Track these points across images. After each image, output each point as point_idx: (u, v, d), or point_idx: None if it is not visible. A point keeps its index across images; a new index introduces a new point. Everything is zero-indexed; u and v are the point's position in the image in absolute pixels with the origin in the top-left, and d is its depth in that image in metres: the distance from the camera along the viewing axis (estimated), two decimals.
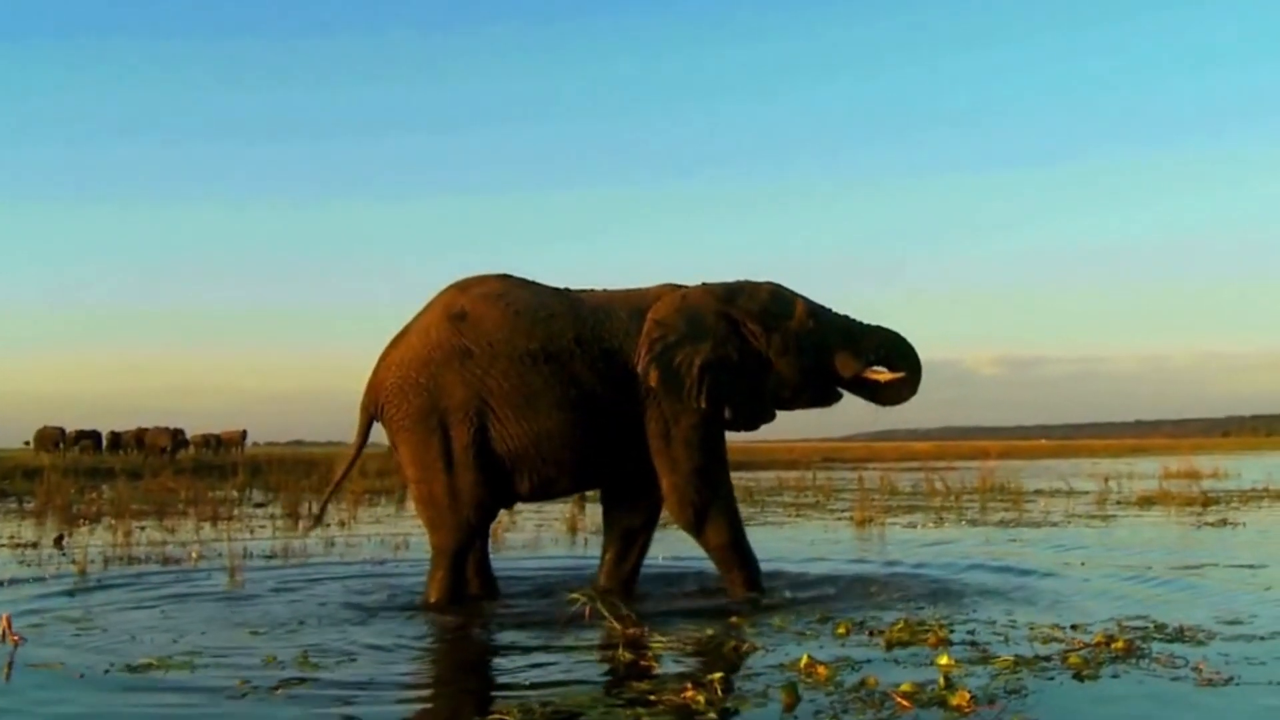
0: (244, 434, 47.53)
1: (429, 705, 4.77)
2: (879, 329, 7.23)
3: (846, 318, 7.20)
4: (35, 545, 10.86)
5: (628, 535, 7.30)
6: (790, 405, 7.21)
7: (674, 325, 6.80)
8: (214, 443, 46.29)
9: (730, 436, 7.14)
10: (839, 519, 13.80)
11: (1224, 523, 12.65)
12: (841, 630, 5.82)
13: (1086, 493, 18.42)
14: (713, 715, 4.22)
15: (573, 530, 12.06)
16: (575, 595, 6.09)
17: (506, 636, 6.00)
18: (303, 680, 4.84)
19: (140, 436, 43.03)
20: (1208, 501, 15.65)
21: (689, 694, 4.42)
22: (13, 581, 8.08)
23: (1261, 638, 5.61)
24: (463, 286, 6.97)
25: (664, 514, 7.28)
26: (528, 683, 4.83)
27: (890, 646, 5.41)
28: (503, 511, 7.63)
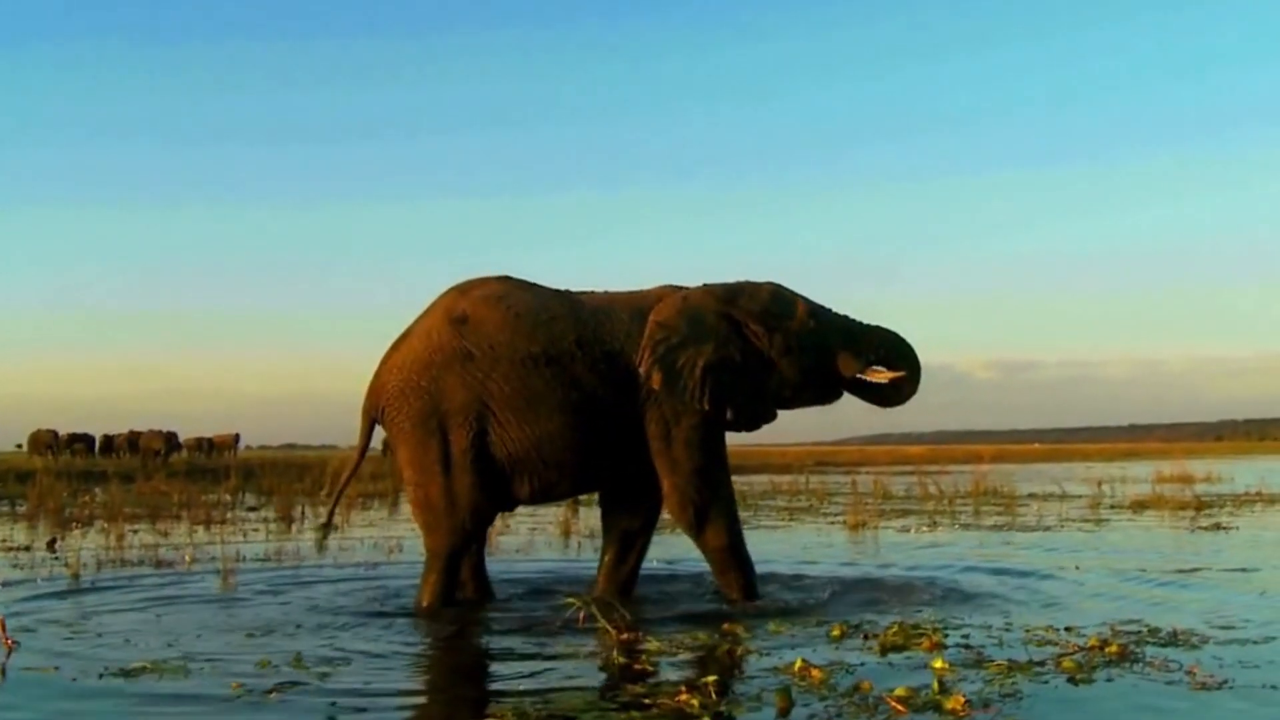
0: (237, 437, 47.54)
1: (423, 709, 4.76)
2: (878, 329, 7.25)
3: (846, 318, 7.21)
4: (28, 548, 10.83)
5: (626, 538, 7.30)
6: (791, 405, 7.22)
7: (676, 327, 6.80)
8: (207, 446, 46.27)
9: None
10: (832, 523, 13.82)
11: (1217, 527, 12.67)
12: (836, 634, 5.82)
13: (1080, 496, 18.43)
14: (707, 719, 4.22)
15: (566, 534, 12.05)
16: (570, 599, 6.08)
17: (501, 640, 5.99)
18: (297, 684, 4.82)
19: (133, 440, 42.99)
20: (1201, 505, 15.67)
21: (684, 697, 4.42)
22: (5, 585, 8.06)
23: (1255, 641, 5.62)
24: (464, 289, 6.96)
25: (661, 517, 7.29)
26: (522, 686, 4.83)
27: (885, 650, 5.41)
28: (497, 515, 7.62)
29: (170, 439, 42.89)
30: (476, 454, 6.62)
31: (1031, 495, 19.28)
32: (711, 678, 4.58)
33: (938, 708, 4.25)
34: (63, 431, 42.88)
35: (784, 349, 6.97)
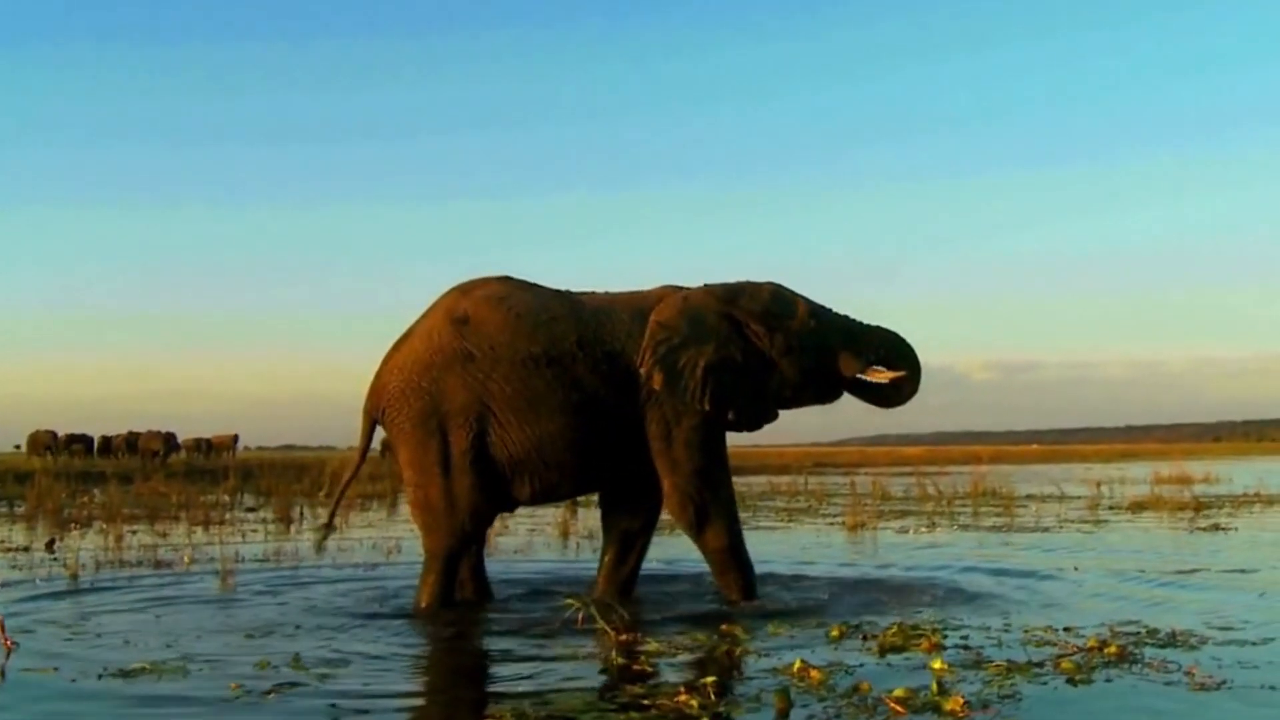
0: (235, 438, 47.52)
1: (422, 710, 4.76)
2: (879, 329, 7.26)
3: (847, 318, 7.22)
4: (27, 549, 10.83)
5: (626, 538, 7.30)
6: (792, 404, 7.23)
7: (677, 327, 6.81)
8: (205, 447, 46.26)
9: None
10: (831, 524, 13.81)
11: (1216, 528, 12.68)
12: (835, 635, 5.82)
13: (1078, 497, 18.45)
14: (706, 719, 4.22)
15: (565, 534, 12.05)
16: (569, 600, 6.08)
17: (500, 641, 5.99)
18: (296, 685, 4.82)
19: (132, 440, 42.98)
20: (1199, 506, 15.68)
21: (682, 698, 4.42)
22: (4, 585, 8.06)
23: (1254, 642, 5.62)
24: (465, 289, 6.96)
25: (661, 517, 7.29)
26: (521, 687, 4.83)
27: (884, 651, 5.42)
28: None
29: (169, 440, 42.88)
30: (476, 455, 6.62)
31: (1030, 496, 19.29)
32: (710, 678, 4.58)
33: (937, 709, 4.25)
34: (61, 432, 42.87)
35: (785, 349, 6.97)
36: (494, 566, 8.12)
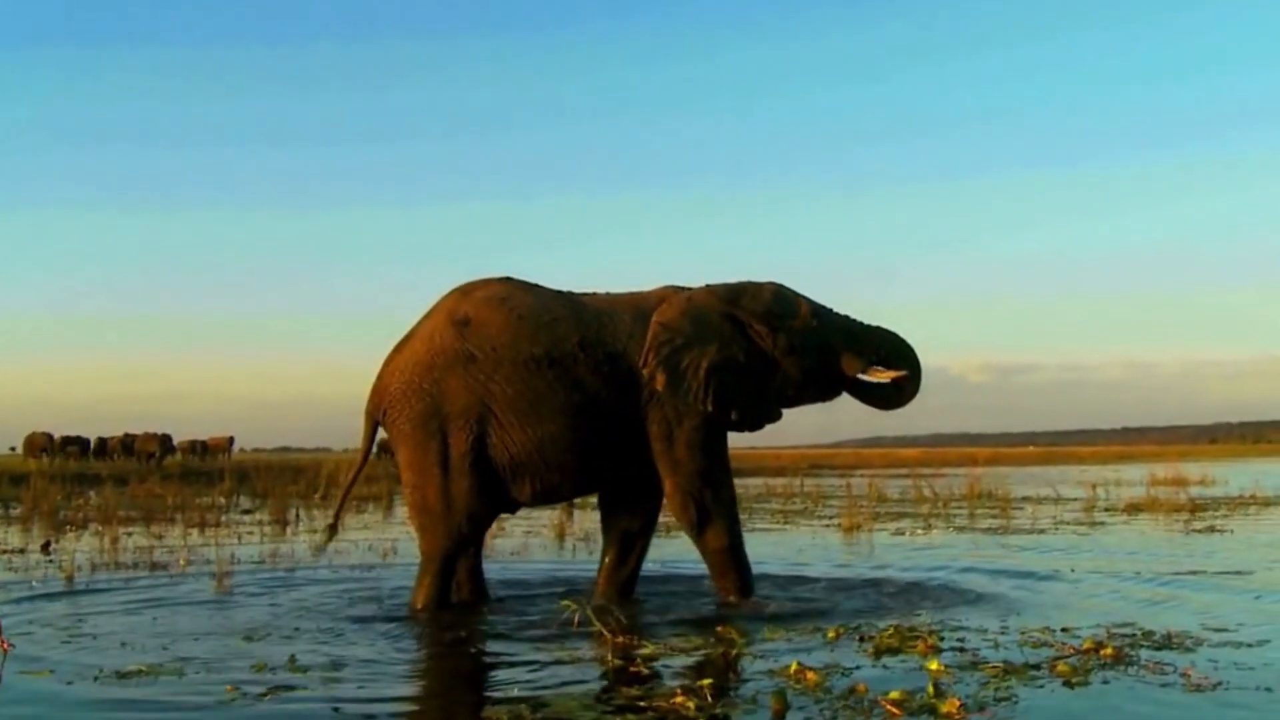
0: (231, 440, 47.48)
1: (419, 712, 4.76)
2: (880, 329, 7.28)
3: (847, 318, 7.23)
4: (22, 551, 10.81)
5: (626, 539, 7.29)
6: (793, 403, 7.24)
7: (680, 328, 6.81)
8: (201, 449, 46.20)
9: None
10: (827, 525, 13.82)
11: (1211, 529, 12.69)
12: (831, 636, 5.83)
13: (1074, 499, 18.45)
14: None
15: (561, 536, 12.04)
16: (566, 602, 6.08)
17: (496, 643, 5.98)
18: (292, 687, 4.82)
19: (128, 442, 42.91)
20: (1195, 508, 15.70)
21: (679, 700, 4.42)
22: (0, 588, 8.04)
23: (1249, 644, 5.63)
24: (466, 291, 6.96)
25: (660, 518, 7.29)
26: (517, 689, 4.82)
27: (880, 653, 5.42)
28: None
29: (165, 442, 42.83)
30: (476, 457, 6.62)
31: (1026, 498, 19.30)
32: (707, 680, 4.58)
33: (933, 711, 4.25)
34: (57, 434, 42.80)
35: (787, 349, 6.98)
36: (490, 568, 8.11)
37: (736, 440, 7.32)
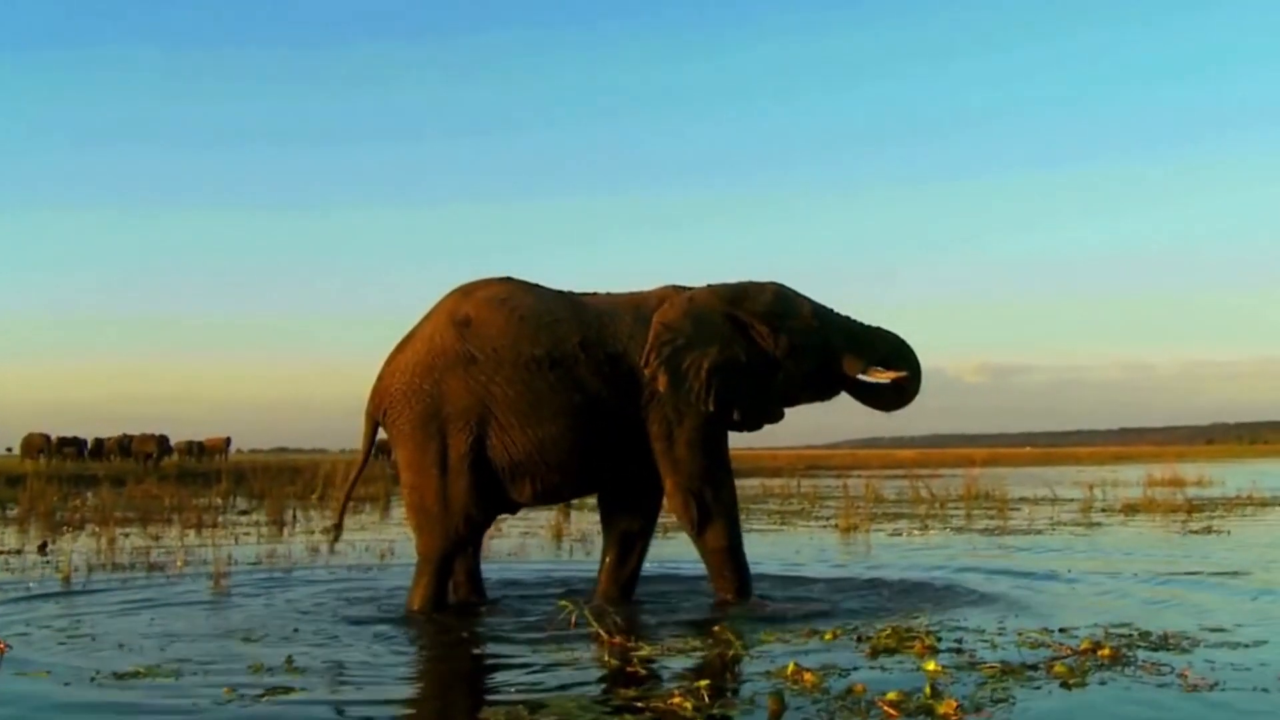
0: (228, 441, 47.47)
1: (416, 713, 4.75)
2: (880, 330, 7.29)
3: (848, 318, 7.24)
4: (19, 552, 10.80)
5: (626, 539, 7.29)
6: (794, 402, 7.25)
7: (682, 328, 6.80)
8: (198, 449, 46.17)
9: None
10: (824, 526, 13.82)
11: (1208, 530, 12.71)
12: (828, 637, 5.83)
13: (1071, 500, 18.46)
14: None
15: (558, 537, 12.04)
16: (563, 603, 6.08)
17: (493, 644, 5.97)
18: (289, 689, 4.81)
19: (124, 443, 42.88)
20: (1192, 509, 15.71)
21: (676, 701, 4.42)
22: None
23: (1246, 645, 5.63)
24: (467, 291, 6.95)
25: (660, 518, 7.29)
26: (515, 690, 4.82)
27: (877, 653, 5.42)
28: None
29: (161, 442, 42.81)
30: (475, 458, 6.61)
31: (1023, 499, 19.30)
32: (704, 681, 4.57)
33: (930, 711, 4.25)
34: (54, 435, 42.79)
35: (789, 349, 6.98)
36: (488, 569, 8.11)
37: (733, 440, 7.32)
